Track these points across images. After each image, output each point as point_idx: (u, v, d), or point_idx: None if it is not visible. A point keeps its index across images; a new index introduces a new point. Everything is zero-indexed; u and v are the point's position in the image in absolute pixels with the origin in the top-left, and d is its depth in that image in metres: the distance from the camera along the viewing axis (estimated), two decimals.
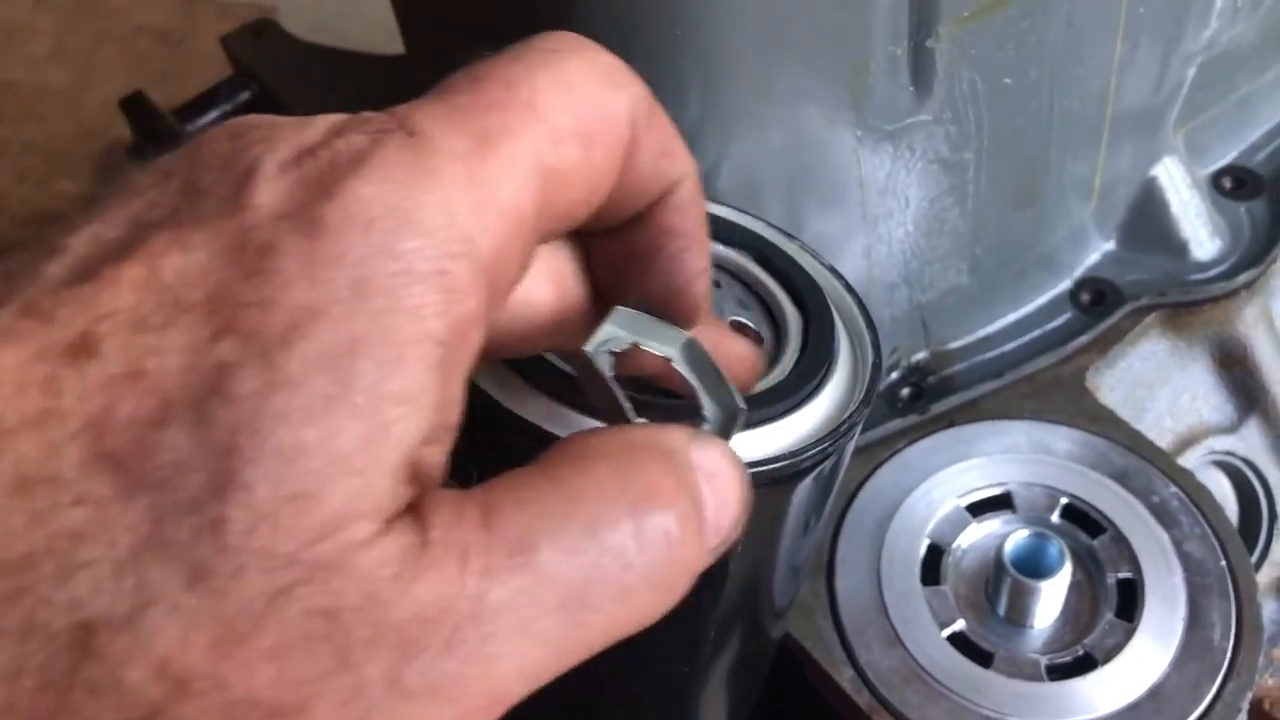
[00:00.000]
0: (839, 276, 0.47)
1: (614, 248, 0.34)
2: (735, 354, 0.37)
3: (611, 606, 0.25)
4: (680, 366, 0.35)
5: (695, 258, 0.34)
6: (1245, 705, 0.53)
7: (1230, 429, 0.69)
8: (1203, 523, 0.58)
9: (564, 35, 0.30)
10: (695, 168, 0.32)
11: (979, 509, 0.60)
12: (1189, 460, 0.67)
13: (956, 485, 0.60)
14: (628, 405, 0.33)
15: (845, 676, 0.55)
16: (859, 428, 0.41)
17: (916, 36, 0.49)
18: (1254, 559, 0.69)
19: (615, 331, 0.34)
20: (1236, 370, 0.68)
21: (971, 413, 0.63)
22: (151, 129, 0.82)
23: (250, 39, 0.86)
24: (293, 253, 0.23)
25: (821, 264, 0.47)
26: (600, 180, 0.29)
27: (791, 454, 0.39)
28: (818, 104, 0.49)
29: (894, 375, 0.64)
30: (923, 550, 0.58)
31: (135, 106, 0.82)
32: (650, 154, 0.30)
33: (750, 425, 0.39)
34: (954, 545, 0.59)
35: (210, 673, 0.21)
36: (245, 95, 0.84)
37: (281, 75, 0.84)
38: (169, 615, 0.21)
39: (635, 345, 0.34)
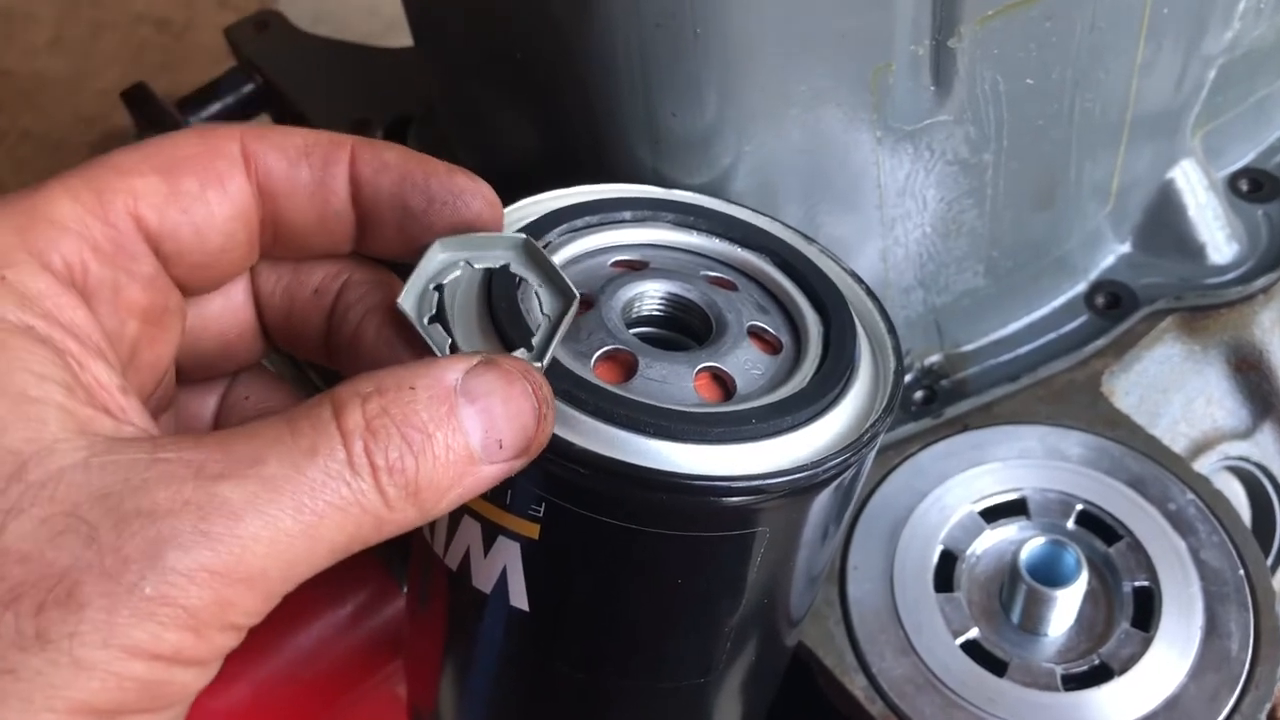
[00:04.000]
0: (860, 281, 0.46)
1: (382, 241, 0.38)
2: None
3: (338, 517, 0.30)
4: (518, 268, 0.37)
5: (435, 175, 0.38)
6: (1264, 717, 0.52)
7: (1244, 434, 0.68)
8: (1220, 530, 0.57)
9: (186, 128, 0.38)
10: (356, 138, 0.37)
11: (993, 515, 0.59)
12: (1203, 465, 0.67)
13: (970, 491, 0.60)
14: (440, 348, 0.35)
15: (858, 685, 0.54)
16: (881, 437, 0.41)
17: (939, 36, 0.48)
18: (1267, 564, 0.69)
19: (442, 257, 0.36)
20: (1251, 375, 0.68)
21: (985, 417, 0.62)
22: (154, 121, 0.81)
23: (253, 31, 0.85)
24: None
25: (842, 268, 0.46)
26: (211, 204, 0.35)
27: (812, 465, 0.38)
28: (838, 104, 0.48)
29: (907, 378, 0.63)
30: (936, 557, 0.58)
31: (138, 98, 0.81)
32: (292, 162, 0.36)
33: (770, 434, 0.38)
34: (968, 552, 0.58)
35: None
36: (248, 87, 0.83)
37: (285, 68, 0.83)
38: None
39: (468, 263, 0.36)
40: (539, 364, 0.36)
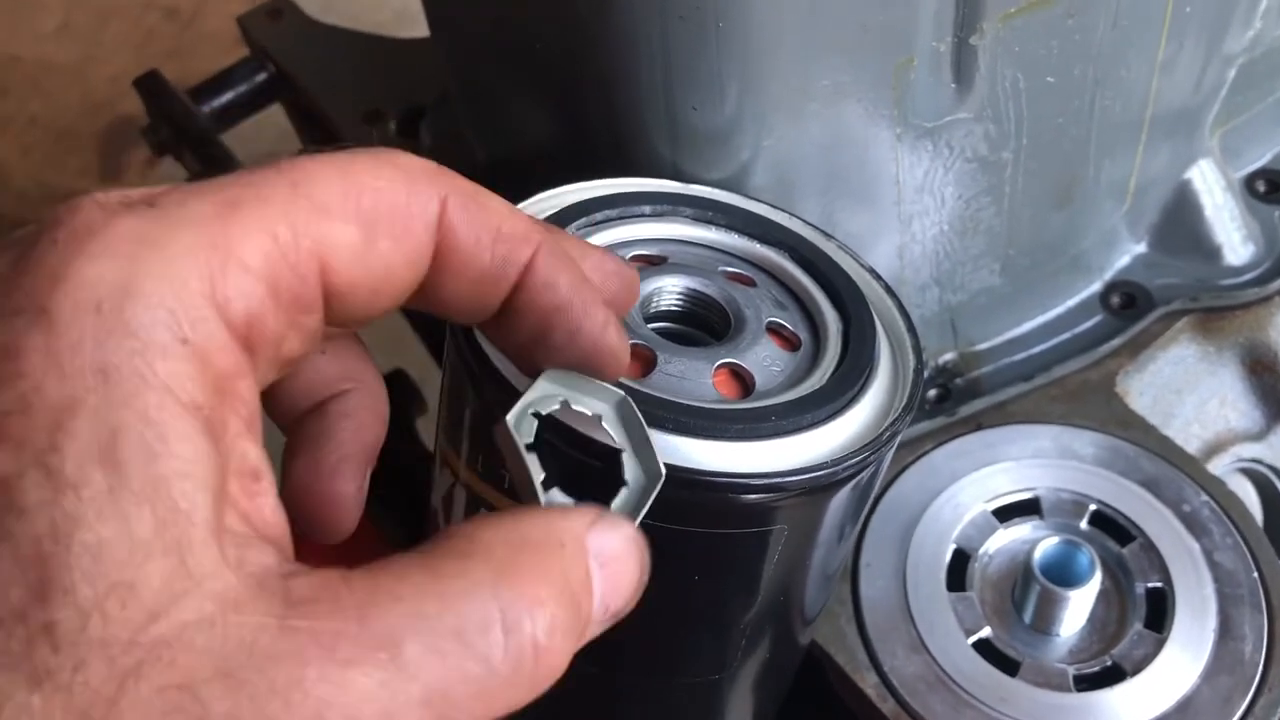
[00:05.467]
0: (879, 278, 0.46)
1: (510, 338, 0.35)
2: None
3: (473, 704, 0.26)
4: (610, 425, 0.35)
5: (590, 320, 0.34)
6: None
7: (1258, 436, 0.68)
8: (1234, 532, 0.57)
9: (380, 150, 0.31)
10: (550, 238, 0.34)
11: (1006, 514, 0.59)
12: (1216, 467, 0.66)
13: (983, 490, 0.59)
14: (538, 482, 0.33)
15: (869, 683, 0.54)
16: (899, 436, 0.40)
17: (961, 33, 0.48)
18: None
19: (544, 391, 0.35)
20: (1266, 377, 0.67)
21: (999, 416, 0.62)
22: (166, 110, 0.81)
23: (266, 20, 0.85)
24: (34, 349, 0.24)
25: (861, 265, 0.46)
26: (394, 268, 0.30)
27: (830, 463, 0.38)
28: (858, 100, 0.48)
29: None
30: (949, 555, 0.57)
31: (150, 86, 0.81)
32: (479, 245, 0.32)
33: (789, 432, 0.38)
34: (981, 551, 0.58)
35: None
36: (261, 76, 0.83)
37: (298, 57, 0.82)
38: (19, 716, 0.23)
39: (565, 404, 0.34)
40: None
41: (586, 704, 0.44)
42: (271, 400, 0.35)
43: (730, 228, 0.46)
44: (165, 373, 0.25)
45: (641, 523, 0.37)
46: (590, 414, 0.35)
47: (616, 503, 0.34)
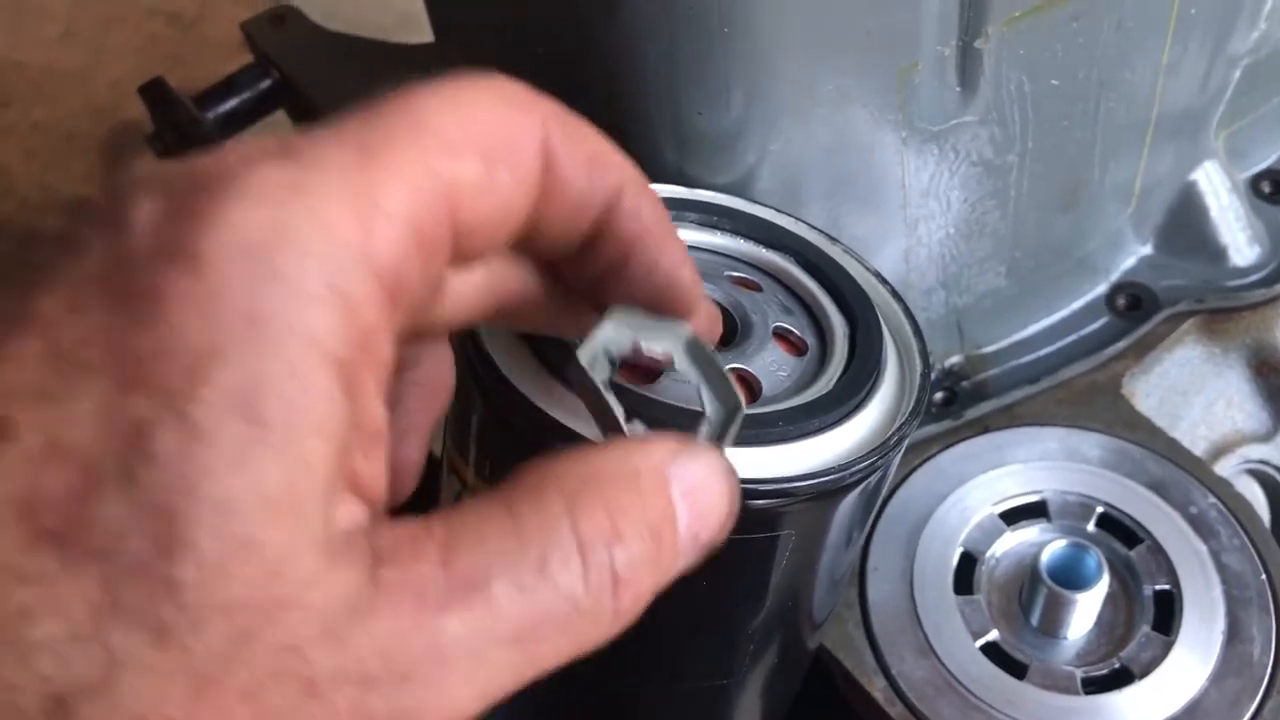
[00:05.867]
0: (885, 282, 0.46)
1: (587, 269, 0.34)
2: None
3: (560, 639, 0.26)
4: (681, 364, 0.34)
5: (669, 254, 0.34)
6: None
7: (1265, 437, 0.68)
8: (1242, 534, 0.57)
9: (471, 74, 0.30)
10: (633, 168, 0.33)
11: (1013, 517, 0.59)
12: (1222, 468, 0.66)
13: (990, 492, 0.59)
14: (619, 414, 0.33)
15: (877, 687, 0.54)
16: (907, 441, 0.40)
17: (965, 36, 0.48)
18: None
19: (613, 332, 0.34)
20: (1273, 378, 0.67)
21: (1006, 418, 0.62)
22: (170, 116, 0.81)
23: (270, 26, 0.85)
24: (179, 293, 0.23)
25: (867, 269, 0.46)
26: (513, 199, 0.29)
27: (837, 469, 0.38)
28: (864, 105, 0.48)
29: None
30: (956, 559, 0.57)
31: (154, 93, 0.81)
32: (578, 169, 0.31)
33: (796, 437, 0.38)
34: (988, 554, 0.58)
35: (191, 717, 0.22)
36: (265, 83, 0.83)
37: (302, 63, 0.82)
38: (142, 675, 0.22)
39: (635, 345, 0.34)
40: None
41: (593, 710, 0.44)
42: None
43: (736, 232, 0.46)
44: (314, 323, 0.24)
45: None
46: (661, 352, 0.34)
47: (701, 435, 0.33)
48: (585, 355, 0.33)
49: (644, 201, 0.33)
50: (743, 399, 0.34)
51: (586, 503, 0.27)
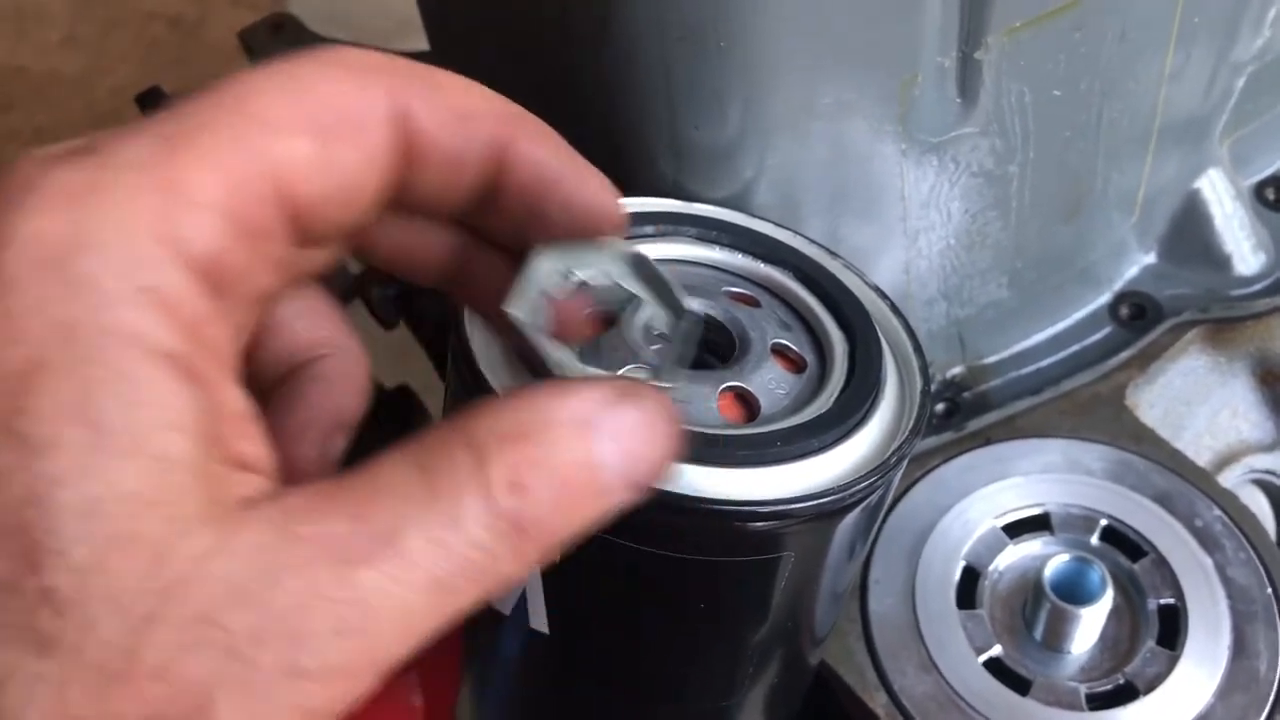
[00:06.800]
0: (884, 297, 0.45)
1: (504, 221, 0.33)
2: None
3: (473, 586, 0.27)
4: (626, 281, 0.34)
5: (583, 186, 0.33)
6: None
7: (1270, 447, 0.67)
8: (1247, 547, 0.56)
9: (315, 49, 0.29)
10: (523, 116, 0.32)
11: (1016, 530, 0.58)
12: (1227, 479, 0.66)
13: (993, 505, 0.59)
14: (554, 359, 0.32)
15: (879, 702, 0.54)
16: (907, 459, 0.40)
17: (966, 47, 0.48)
18: None
19: (544, 268, 0.33)
20: (1278, 387, 0.67)
21: (1008, 430, 0.61)
22: None
23: (268, 34, 0.84)
24: None
25: (866, 283, 0.46)
26: (360, 172, 0.29)
27: (838, 489, 0.37)
28: (863, 116, 0.48)
29: None
30: (958, 572, 0.57)
31: (152, 101, 0.80)
32: (443, 128, 0.30)
33: (796, 457, 0.38)
34: (990, 568, 0.57)
35: (101, 711, 0.23)
36: None
37: None
38: (32, 684, 0.22)
39: (569, 273, 0.33)
40: (667, 387, 0.32)
41: None
42: (249, 365, 0.34)
43: (734, 247, 0.46)
44: (130, 323, 0.24)
45: (648, 551, 0.37)
46: (601, 274, 0.33)
47: (657, 358, 0.33)
48: (514, 301, 0.32)
49: (541, 144, 0.32)
50: (692, 308, 0.33)
51: (493, 456, 0.27)
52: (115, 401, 0.24)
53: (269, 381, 0.34)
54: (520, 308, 0.32)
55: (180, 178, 0.25)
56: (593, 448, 0.28)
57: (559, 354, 0.33)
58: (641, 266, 0.34)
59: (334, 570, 0.25)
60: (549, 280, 0.33)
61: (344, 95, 0.28)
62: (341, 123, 0.28)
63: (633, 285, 0.34)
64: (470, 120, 0.31)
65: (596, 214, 0.33)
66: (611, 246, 0.34)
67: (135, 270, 0.25)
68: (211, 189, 0.26)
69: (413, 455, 0.27)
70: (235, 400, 0.27)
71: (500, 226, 0.34)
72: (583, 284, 0.34)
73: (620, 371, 0.34)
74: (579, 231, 0.33)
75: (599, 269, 0.34)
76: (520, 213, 0.33)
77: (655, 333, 0.34)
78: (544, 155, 0.32)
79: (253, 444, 0.27)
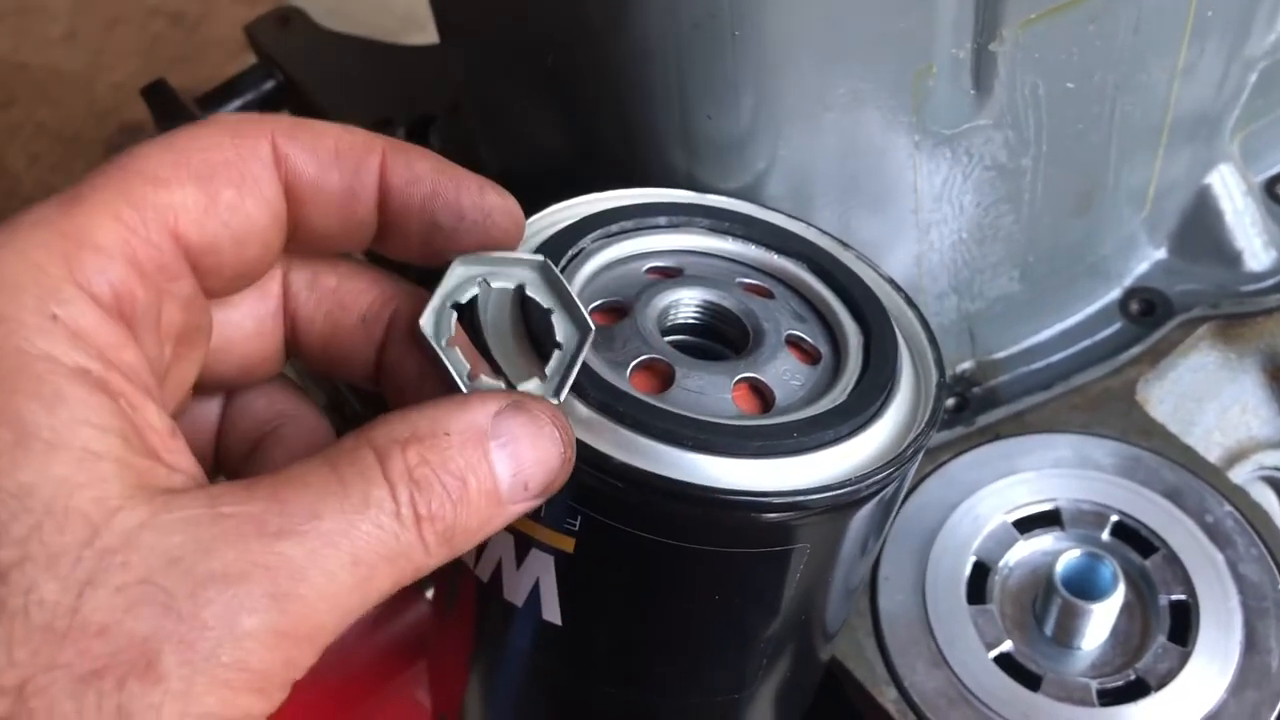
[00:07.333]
0: (899, 289, 0.45)
1: (407, 248, 0.37)
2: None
3: (388, 567, 0.30)
4: (535, 291, 0.36)
5: (466, 192, 0.37)
6: None
7: (1279, 444, 0.67)
8: (1259, 543, 0.56)
9: (211, 118, 0.35)
10: (388, 140, 0.36)
11: (1026, 525, 0.58)
12: (1237, 475, 0.66)
13: (1003, 501, 0.59)
14: (460, 377, 0.35)
15: (889, 698, 0.53)
16: (923, 452, 0.40)
17: (981, 39, 0.48)
18: None
19: (456, 280, 0.36)
20: None
21: (1018, 425, 0.61)
22: (174, 117, 0.80)
23: (275, 27, 0.84)
24: None
25: (880, 275, 0.45)
26: (247, 215, 0.33)
27: (853, 481, 0.37)
28: (877, 108, 0.47)
29: None
30: (968, 568, 0.57)
31: (157, 95, 0.80)
32: (322, 165, 0.35)
33: (811, 448, 0.38)
34: (1001, 563, 0.57)
35: (49, 664, 0.25)
36: (269, 84, 0.83)
37: (306, 65, 0.82)
38: None
39: (485, 282, 0.36)
40: (556, 400, 0.35)
41: (606, 716, 0.44)
42: (218, 452, 0.39)
43: (747, 238, 0.46)
44: (45, 346, 0.28)
45: (662, 542, 0.37)
46: (513, 286, 0.36)
47: (550, 366, 0.36)
48: (425, 318, 0.35)
49: (414, 161, 0.36)
50: (592, 324, 0.36)
51: (394, 456, 0.31)
52: (38, 404, 0.27)
53: (239, 457, 0.39)
54: (428, 320, 0.35)
55: (81, 226, 0.30)
56: (485, 454, 0.32)
57: (462, 368, 0.35)
58: (550, 278, 0.36)
59: (262, 541, 0.28)
60: (461, 291, 0.36)
61: (221, 148, 0.33)
62: (221, 170, 0.33)
63: (541, 295, 0.36)
64: (343, 155, 0.35)
65: (486, 214, 0.37)
66: (525, 258, 0.36)
67: (46, 304, 0.28)
68: (109, 235, 0.30)
69: (323, 456, 0.31)
70: (155, 417, 0.30)
71: (412, 251, 0.37)
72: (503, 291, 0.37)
73: (531, 390, 0.36)
74: (481, 236, 0.37)
75: (512, 276, 0.36)
76: (420, 231, 0.37)
77: (556, 341, 0.36)
78: (419, 170, 0.36)
79: (177, 456, 0.30)
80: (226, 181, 0.33)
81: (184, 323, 0.33)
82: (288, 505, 0.29)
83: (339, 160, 0.35)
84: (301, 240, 0.36)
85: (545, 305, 0.36)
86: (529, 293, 0.36)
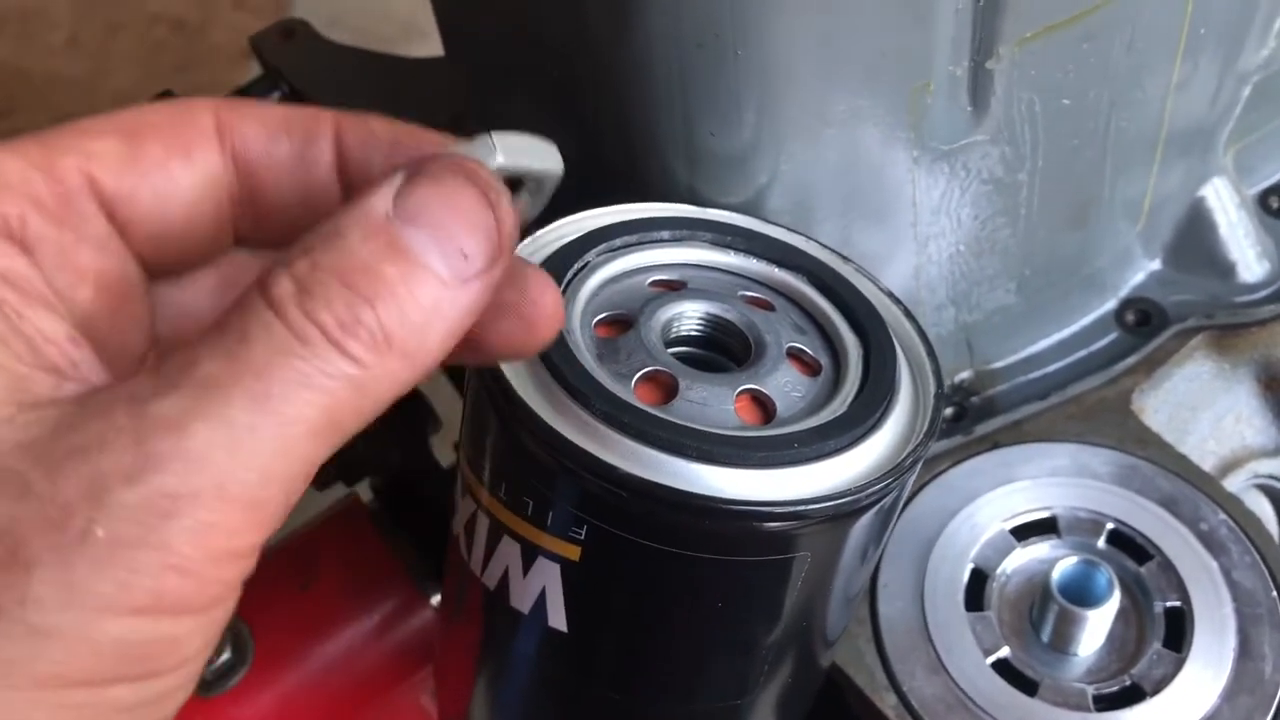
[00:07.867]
0: (897, 301, 0.46)
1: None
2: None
3: (303, 391, 0.27)
4: (501, 159, 0.33)
5: (422, 136, 0.36)
6: None
7: (1274, 452, 0.68)
8: (1253, 551, 0.57)
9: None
10: (341, 114, 0.35)
11: (1023, 533, 0.59)
12: (1231, 484, 0.66)
13: (1000, 509, 0.59)
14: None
15: (889, 703, 0.54)
16: (922, 462, 0.41)
17: (978, 57, 0.48)
18: None
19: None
20: None
21: (1015, 434, 0.62)
22: None
23: (279, 39, 0.85)
24: None
25: (879, 288, 0.46)
26: (172, 173, 0.32)
27: (853, 490, 0.38)
28: (876, 124, 0.48)
29: None
30: (967, 575, 0.57)
31: None
32: (272, 137, 0.34)
33: (812, 459, 0.38)
34: (998, 570, 0.58)
35: None
36: (274, 96, 0.83)
37: (311, 77, 0.83)
38: None
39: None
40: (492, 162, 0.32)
41: None
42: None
43: (749, 252, 0.47)
44: None
45: (667, 551, 0.38)
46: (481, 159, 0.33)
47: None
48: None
49: (368, 122, 0.35)
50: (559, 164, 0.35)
51: (279, 277, 0.28)
52: None
53: None
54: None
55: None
56: (394, 237, 0.28)
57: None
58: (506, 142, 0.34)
59: (129, 407, 0.26)
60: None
61: (157, 113, 0.32)
62: (150, 130, 0.32)
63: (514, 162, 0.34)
64: (293, 123, 0.34)
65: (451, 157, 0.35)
66: (480, 138, 0.34)
67: None
68: (10, 169, 0.30)
69: (214, 321, 0.28)
70: (50, 325, 0.29)
71: None
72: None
73: None
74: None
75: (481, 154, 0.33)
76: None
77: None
78: (375, 127, 0.35)
79: (82, 361, 0.29)
80: (154, 140, 0.32)
81: (101, 266, 0.31)
82: (164, 367, 0.26)
83: (289, 127, 0.34)
84: (266, 220, 0.35)
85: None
86: (500, 159, 0.33)
